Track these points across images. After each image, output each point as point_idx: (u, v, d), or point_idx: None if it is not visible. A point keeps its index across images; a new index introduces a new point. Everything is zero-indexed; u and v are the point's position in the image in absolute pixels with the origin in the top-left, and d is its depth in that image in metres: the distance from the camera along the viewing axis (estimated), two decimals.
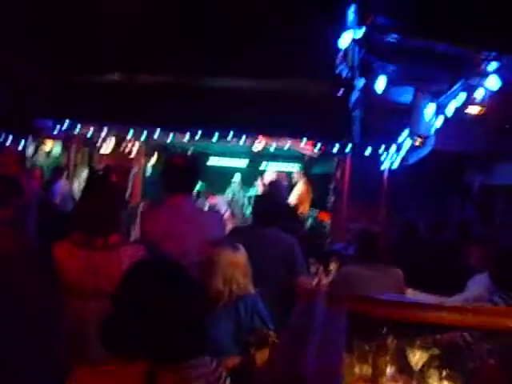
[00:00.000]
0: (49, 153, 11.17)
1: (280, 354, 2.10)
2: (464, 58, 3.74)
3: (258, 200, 5.23)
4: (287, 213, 5.62)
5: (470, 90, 4.17)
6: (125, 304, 1.77)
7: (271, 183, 9.23)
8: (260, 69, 7.48)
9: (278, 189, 8.46)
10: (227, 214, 9.43)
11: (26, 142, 9.42)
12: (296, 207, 8.67)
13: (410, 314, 2.15)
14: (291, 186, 10.29)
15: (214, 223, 3.89)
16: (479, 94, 4.06)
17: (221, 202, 10.44)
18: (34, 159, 10.40)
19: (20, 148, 9.36)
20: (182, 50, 7.57)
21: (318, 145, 9.01)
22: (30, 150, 10.00)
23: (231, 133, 8.56)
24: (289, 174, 10.97)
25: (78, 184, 10.23)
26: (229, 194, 11.49)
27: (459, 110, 4.58)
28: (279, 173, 10.86)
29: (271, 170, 10.88)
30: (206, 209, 7.58)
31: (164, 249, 3.29)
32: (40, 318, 2.82)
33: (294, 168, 11.46)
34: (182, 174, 3.78)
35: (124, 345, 1.73)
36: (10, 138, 8.97)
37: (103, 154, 10.64)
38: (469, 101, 4.25)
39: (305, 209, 9.61)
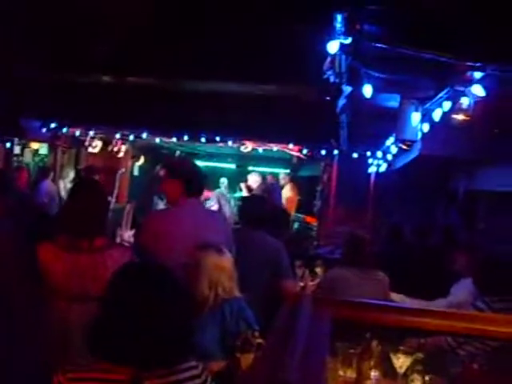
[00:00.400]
0: (36, 152, 11.10)
1: (264, 358, 2.11)
2: (450, 65, 3.79)
3: (246, 202, 5.22)
4: (277, 215, 5.60)
5: (456, 97, 4.21)
6: (112, 306, 1.77)
7: (265, 185, 9.20)
8: (249, 74, 7.50)
9: (271, 191, 8.41)
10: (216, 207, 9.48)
11: (12, 141, 9.37)
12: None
13: (394, 319, 2.17)
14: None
15: (223, 226, 3.87)
16: (465, 101, 4.10)
17: (213, 196, 10.45)
18: (20, 158, 10.34)
19: (7, 146, 9.31)
20: (170, 55, 7.57)
21: (305, 150, 9.09)
22: (17, 149, 9.95)
23: (218, 138, 8.63)
24: (275, 176, 10.98)
25: (64, 185, 10.16)
26: (216, 194, 11.48)
27: (446, 116, 4.61)
28: (267, 175, 10.86)
29: (255, 173, 10.85)
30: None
31: (184, 250, 3.24)
32: (26, 320, 2.81)
33: (282, 170, 11.47)
34: (195, 177, 3.75)
35: (110, 348, 1.73)
36: None
37: (90, 154, 10.60)
38: (454, 108, 4.29)
39: (291, 211, 9.64)
